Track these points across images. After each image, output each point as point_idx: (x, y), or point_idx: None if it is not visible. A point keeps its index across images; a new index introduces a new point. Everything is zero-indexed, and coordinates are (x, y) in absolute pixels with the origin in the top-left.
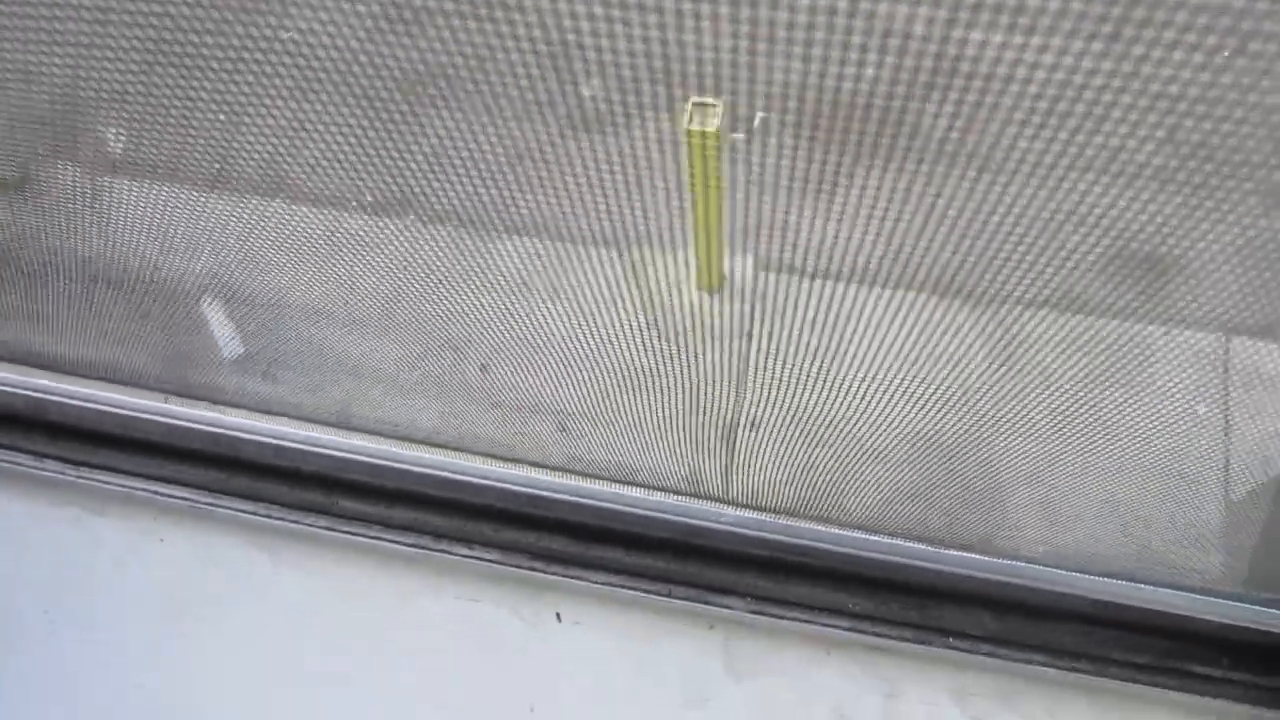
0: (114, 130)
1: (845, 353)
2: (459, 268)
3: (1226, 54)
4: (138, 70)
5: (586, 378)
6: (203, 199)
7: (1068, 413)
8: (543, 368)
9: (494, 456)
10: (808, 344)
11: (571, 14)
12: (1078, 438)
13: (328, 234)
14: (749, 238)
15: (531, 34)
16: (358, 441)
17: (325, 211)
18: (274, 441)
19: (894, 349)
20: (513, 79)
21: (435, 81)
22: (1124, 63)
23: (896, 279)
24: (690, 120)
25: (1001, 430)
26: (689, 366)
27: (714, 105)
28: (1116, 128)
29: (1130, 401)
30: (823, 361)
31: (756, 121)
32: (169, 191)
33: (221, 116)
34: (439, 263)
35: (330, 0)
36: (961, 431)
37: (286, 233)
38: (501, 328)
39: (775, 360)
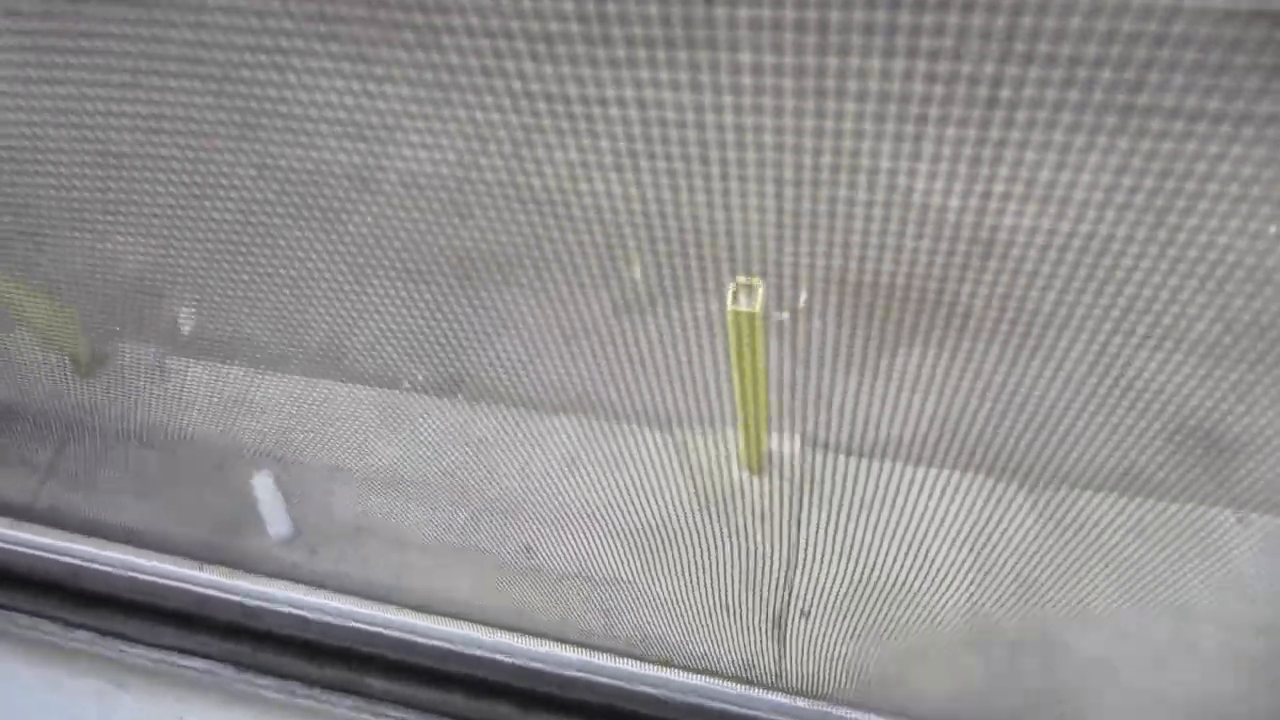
0: (186, 311)
1: (897, 535)
2: (507, 445)
3: (1275, 230)
4: (212, 253)
5: (632, 556)
6: (262, 378)
7: (1137, 602)
8: (588, 545)
9: (531, 634)
10: (857, 525)
11: (618, 201)
12: (1150, 627)
13: (380, 412)
14: (794, 416)
15: (583, 220)
16: (386, 615)
17: (378, 391)
18: (299, 613)
19: (947, 531)
20: (563, 262)
21: (489, 265)
22: (1170, 243)
23: (947, 458)
24: (734, 299)
25: (1065, 618)
26: (738, 546)
27: (757, 285)
28: (1168, 306)
29: (1206, 591)
30: (874, 543)
31: (800, 301)
32: (231, 370)
33: (286, 295)
34: (487, 439)
35: (397, 186)
36: (1022, 618)
37: (340, 410)
38: (548, 504)
39: (825, 541)
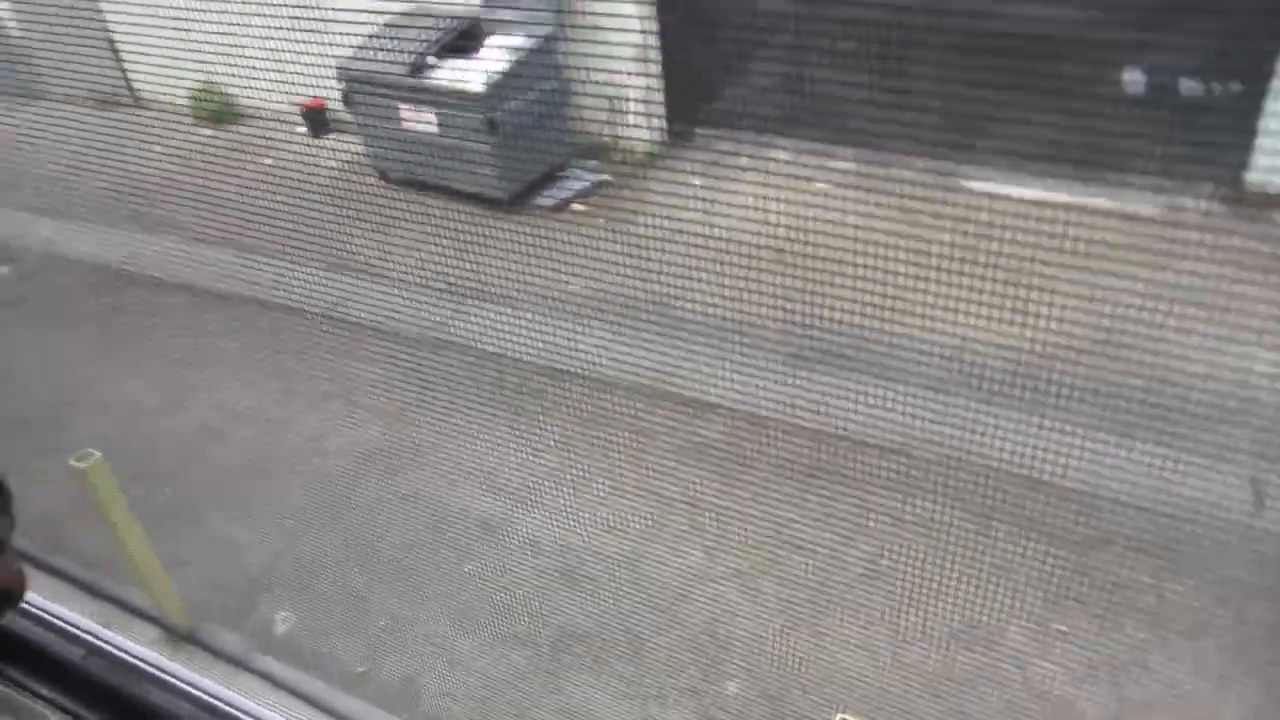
0: (284, 613)
1: None
2: None
3: None
4: (326, 562)
5: None
6: (334, 697)
7: None
8: None
9: None
10: None
11: (729, 612)
12: None
13: None
14: None
15: (688, 624)
16: None
17: None
18: None
19: None
20: (658, 661)
21: (584, 642)
22: None
23: None
24: None
25: None
26: None
27: None
28: None
29: None
30: None
31: None
32: (306, 681)
33: (382, 622)
34: None
35: (519, 542)
36: None
37: None
38: None
39: None
